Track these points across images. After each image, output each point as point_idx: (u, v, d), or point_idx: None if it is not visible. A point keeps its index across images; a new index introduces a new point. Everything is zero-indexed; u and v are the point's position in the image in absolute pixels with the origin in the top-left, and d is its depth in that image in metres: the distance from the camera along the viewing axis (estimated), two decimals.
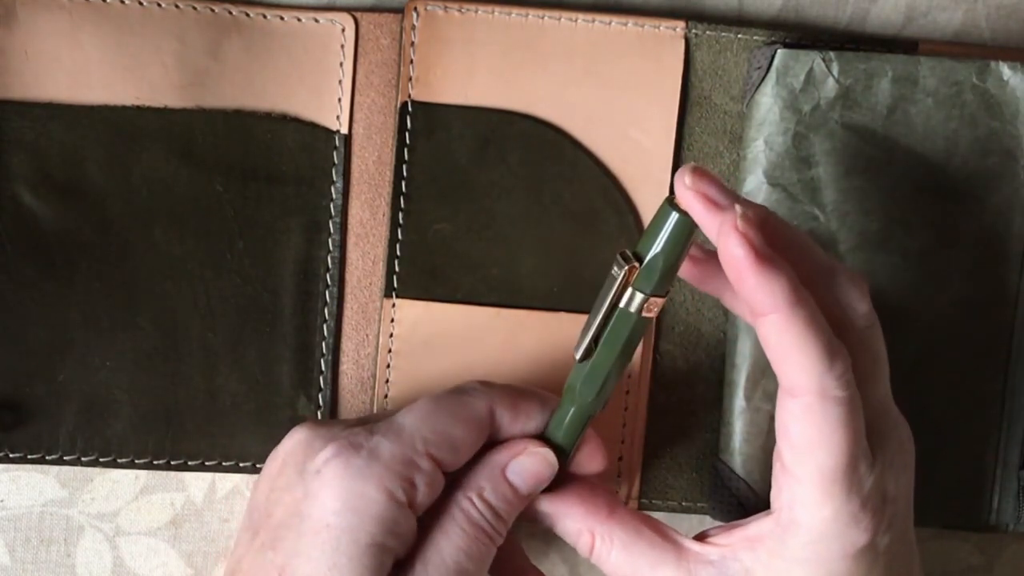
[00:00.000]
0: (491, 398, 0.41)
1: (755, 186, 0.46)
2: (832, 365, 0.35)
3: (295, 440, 0.40)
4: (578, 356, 0.39)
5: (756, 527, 0.39)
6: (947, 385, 0.47)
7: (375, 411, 0.47)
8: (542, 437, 0.41)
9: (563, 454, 0.41)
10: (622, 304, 0.37)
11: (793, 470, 0.37)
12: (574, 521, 0.41)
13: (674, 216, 0.36)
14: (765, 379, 0.45)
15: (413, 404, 0.40)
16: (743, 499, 0.45)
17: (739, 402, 0.46)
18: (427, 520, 0.39)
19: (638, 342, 0.39)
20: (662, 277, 0.37)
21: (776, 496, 0.38)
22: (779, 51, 0.45)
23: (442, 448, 0.39)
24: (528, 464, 0.40)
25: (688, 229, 0.36)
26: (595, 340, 0.38)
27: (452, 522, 0.39)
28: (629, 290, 0.37)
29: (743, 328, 0.46)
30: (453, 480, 0.40)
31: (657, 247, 0.36)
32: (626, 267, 0.37)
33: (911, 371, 0.46)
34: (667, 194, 0.46)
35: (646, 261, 0.36)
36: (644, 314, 0.37)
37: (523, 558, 0.44)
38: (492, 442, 0.41)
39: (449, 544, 0.39)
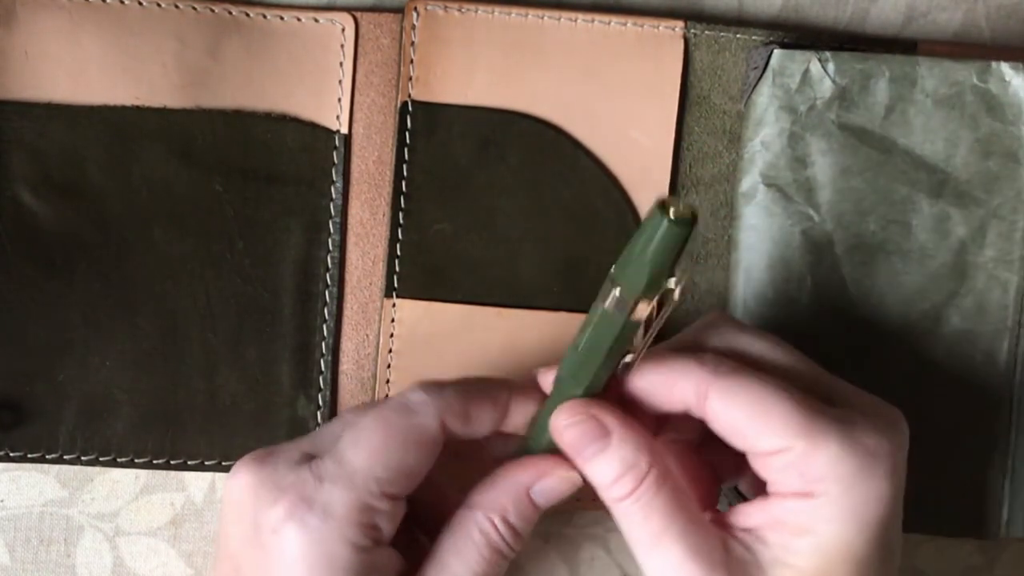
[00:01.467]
0: (440, 411, 0.39)
1: (751, 186, 0.46)
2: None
3: (240, 486, 0.38)
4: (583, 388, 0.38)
5: (779, 507, 0.38)
6: (950, 392, 0.47)
7: None
8: (531, 426, 0.40)
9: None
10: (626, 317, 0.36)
11: (767, 448, 0.37)
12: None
13: (682, 228, 0.34)
14: None
15: (358, 428, 0.38)
16: (731, 500, 0.46)
17: None
18: (433, 534, 0.39)
19: None
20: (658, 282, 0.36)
21: (781, 480, 0.37)
22: (775, 51, 0.46)
23: (398, 483, 0.38)
24: (556, 486, 0.40)
25: (682, 238, 0.34)
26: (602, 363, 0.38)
27: (469, 544, 0.38)
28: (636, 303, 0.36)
29: None
30: (433, 488, 0.39)
31: (654, 259, 0.35)
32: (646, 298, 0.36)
33: (911, 376, 0.46)
34: (666, 193, 0.47)
35: (648, 279, 0.35)
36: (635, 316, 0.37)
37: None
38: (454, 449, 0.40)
39: (464, 566, 0.38)
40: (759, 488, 0.40)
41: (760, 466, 0.38)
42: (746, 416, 0.37)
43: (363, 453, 0.38)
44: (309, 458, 0.39)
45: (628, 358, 0.38)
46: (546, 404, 0.40)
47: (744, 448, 0.38)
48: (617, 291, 0.36)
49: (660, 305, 0.36)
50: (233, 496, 0.39)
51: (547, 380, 0.40)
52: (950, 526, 0.47)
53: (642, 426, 0.38)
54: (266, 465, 0.38)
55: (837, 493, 0.36)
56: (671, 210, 0.34)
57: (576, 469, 0.39)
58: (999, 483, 0.47)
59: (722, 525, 0.39)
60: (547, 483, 0.39)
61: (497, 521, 0.39)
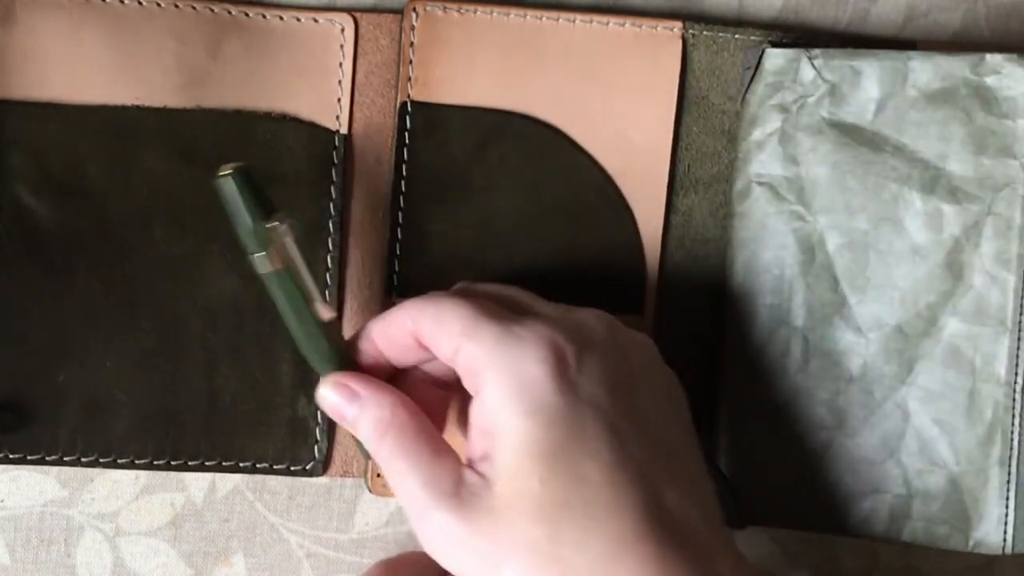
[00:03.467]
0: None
1: (744, 185, 0.47)
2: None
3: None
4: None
5: (473, 417, 0.41)
6: (947, 392, 0.46)
7: None
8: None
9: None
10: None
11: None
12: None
13: (226, 183, 0.41)
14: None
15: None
16: (723, 496, 0.46)
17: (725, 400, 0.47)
18: None
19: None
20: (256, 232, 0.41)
21: (467, 385, 0.41)
22: (767, 50, 0.46)
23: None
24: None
25: (236, 185, 0.41)
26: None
27: None
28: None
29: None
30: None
31: (239, 211, 0.41)
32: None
33: (908, 375, 0.46)
34: (664, 193, 0.48)
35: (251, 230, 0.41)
36: (276, 267, 0.42)
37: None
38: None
39: None
40: None
41: (460, 376, 0.42)
42: (431, 323, 0.41)
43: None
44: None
45: (324, 311, 0.43)
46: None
47: (442, 357, 0.42)
48: (254, 258, 0.41)
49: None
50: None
51: None
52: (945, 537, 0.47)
53: (380, 379, 0.43)
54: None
55: (492, 378, 0.40)
56: (220, 173, 0.41)
57: None
58: (1002, 489, 0.46)
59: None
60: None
61: None
